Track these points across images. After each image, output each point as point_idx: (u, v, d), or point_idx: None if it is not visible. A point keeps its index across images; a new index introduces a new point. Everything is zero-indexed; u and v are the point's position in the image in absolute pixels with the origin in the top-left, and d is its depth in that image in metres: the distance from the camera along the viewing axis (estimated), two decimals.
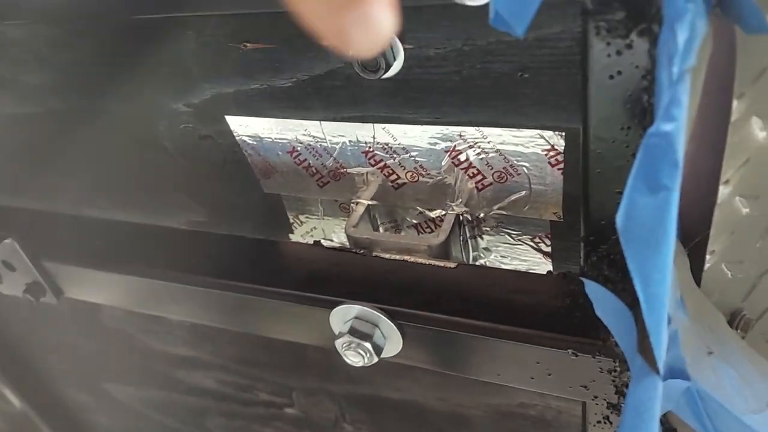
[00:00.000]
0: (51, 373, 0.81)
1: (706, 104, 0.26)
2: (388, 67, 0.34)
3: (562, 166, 0.37)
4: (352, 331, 0.41)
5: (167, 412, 0.75)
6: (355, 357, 0.41)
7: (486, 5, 0.25)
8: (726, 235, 0.31)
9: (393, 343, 0.42)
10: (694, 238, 0.32)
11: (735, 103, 0.26)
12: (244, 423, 0.69)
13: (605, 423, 0.39)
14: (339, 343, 0.42)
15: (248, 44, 0.38)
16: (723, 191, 0.29)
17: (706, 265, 0.32)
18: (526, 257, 0.44)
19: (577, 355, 0.36)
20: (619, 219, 0.22)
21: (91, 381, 0.79)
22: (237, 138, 0.45)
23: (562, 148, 0.36)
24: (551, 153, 0.36)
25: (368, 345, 0.41)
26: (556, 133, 0.35)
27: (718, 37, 0.24)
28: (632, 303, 0.30)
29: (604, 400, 0.38)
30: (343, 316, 0.42)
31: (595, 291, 0.30)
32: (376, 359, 0.41)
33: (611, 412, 0.38)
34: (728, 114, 0.26)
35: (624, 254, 0.23)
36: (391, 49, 0.34)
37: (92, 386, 0.79)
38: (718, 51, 0.25)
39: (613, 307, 0.29)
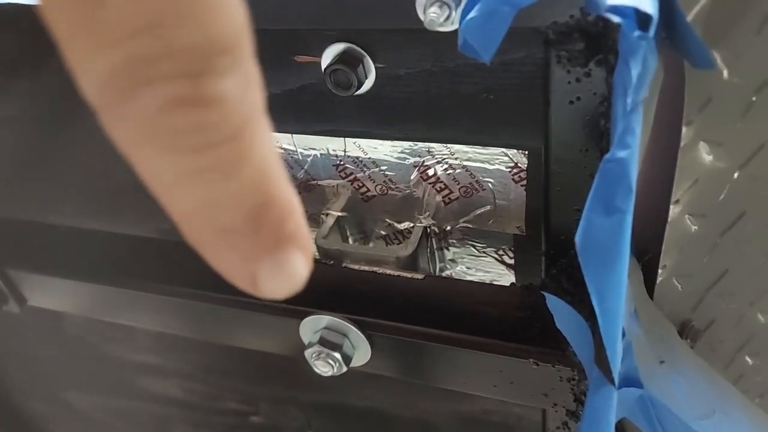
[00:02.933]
0: (8, 383, 0.79)
1: (658, 130, 0.28)
2: (360, 84, 0.35)
3: (524, 183, 0.38)
4: (322, 341, 0.42)
5: (131, 421, 0.74)
6: (325, 367, 0.42)
7: (455, 31, 0.27)
8: (676, 251, 0.32)
9: (362, 352, 0.43)
10: (647, 254, 0.33)
11: (684, 130, 0.28)
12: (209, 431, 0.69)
13: (564, 429, 0.41)
14: (309, 353, 0.42)
15: None
16: (674, 210, 0.31)
17: (658, 279, 0.33)
18: (490, 269, 0.46)
19: (538, 365, 0.37)
20: (578, 238, 0.24)
21: (51, 390, 0.77)
22: None
23: (525, 165, 0.37)
24: (515, 170, 0.38)
25: (338, 355, 0.41)
26: (520, 151, 0.37)
27: (669, 69, 0.26)
28: (589, 315, 0.32)
29: (563, 407, 0.39)
30: (313, 326, 0.43)
31: (555, 304, 0.32)
32: (345, 369, 0.42)
33: (570, 419, 0.40)
34: (678, 139, 0.28)
35: (582, 271, 0.25)
36: (363, 67, 0.35)
37: (52, 396, 0.78)
38: (668, 81, 0.26)
39: (572, 320, 0.31)
